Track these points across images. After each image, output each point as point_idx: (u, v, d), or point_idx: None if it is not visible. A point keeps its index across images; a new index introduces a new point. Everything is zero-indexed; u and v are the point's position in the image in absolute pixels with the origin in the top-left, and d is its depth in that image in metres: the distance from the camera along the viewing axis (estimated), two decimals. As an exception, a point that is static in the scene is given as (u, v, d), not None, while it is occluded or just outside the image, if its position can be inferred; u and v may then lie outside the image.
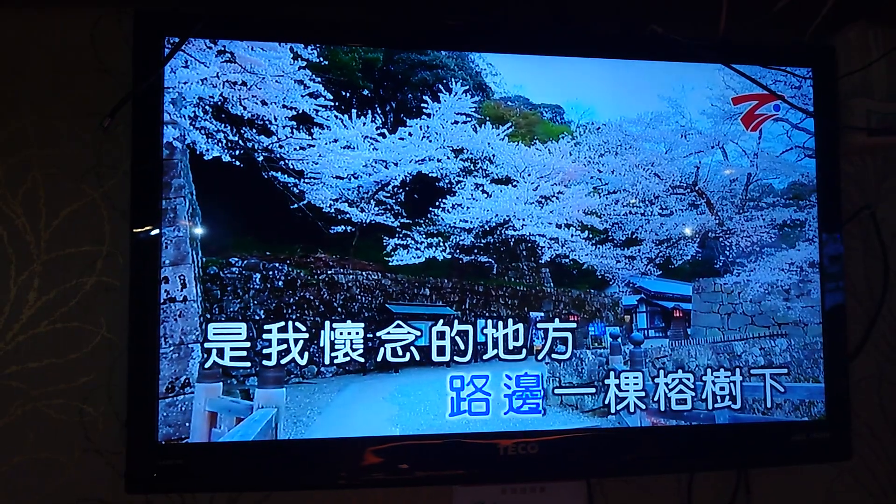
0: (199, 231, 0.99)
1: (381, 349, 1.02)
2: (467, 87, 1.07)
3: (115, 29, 1.10)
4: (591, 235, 1.10)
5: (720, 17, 1.08)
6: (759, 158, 1.13)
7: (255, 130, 1.02)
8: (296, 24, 1.04)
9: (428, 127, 1.06)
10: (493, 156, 1.08)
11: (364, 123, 1.04)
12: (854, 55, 1.18)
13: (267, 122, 1.02)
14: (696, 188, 1.12)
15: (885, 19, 1.19)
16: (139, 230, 0.98)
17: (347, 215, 1.04)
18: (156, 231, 0.97)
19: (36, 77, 1.09)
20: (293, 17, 1.05)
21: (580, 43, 1.10)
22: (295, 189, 1.02)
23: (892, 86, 1.19)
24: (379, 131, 1.05)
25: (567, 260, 1.09)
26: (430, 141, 1.07)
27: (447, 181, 1.07)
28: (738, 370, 1.10)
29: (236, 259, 1.00)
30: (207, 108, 1.01)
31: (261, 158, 1.02)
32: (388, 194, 1.05)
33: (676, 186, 1.12)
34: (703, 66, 1.12)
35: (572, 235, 1.09)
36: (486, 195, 1.08)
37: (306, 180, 1.03)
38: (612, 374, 1.07)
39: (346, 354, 1.01)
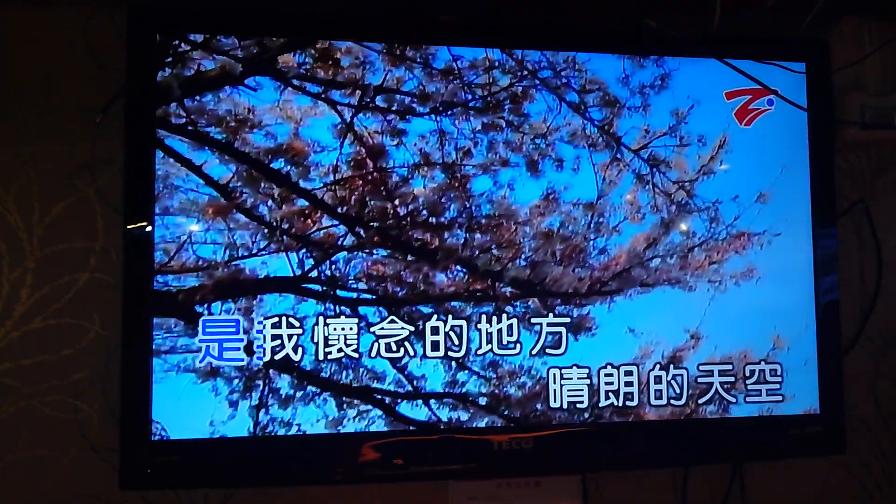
0: (192, 227, 0.99)
1: (375, 344, 1.01)
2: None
3: (108, 24, 1.09)
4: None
5: (714, 12, 1.08)
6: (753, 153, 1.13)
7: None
8: (289, 20, 1.04)
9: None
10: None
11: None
12: (848, 49, 1.19)
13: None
14: (690, 183, 1.12)
15: (879, 13, 1.19)
16: (133, 226, 0.97)
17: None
18: (149, 227, 0.97)
19: (28, 72, 1.09)
20: (287, 13, 1.05)
21: (572, 38, 1.10)
22: (288, 184, 1.02)
23: (886, 80, 1.19)
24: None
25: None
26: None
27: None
28: (731, 364, 1.10)
29: (229, 254, 1.00)
30: (200, 103, 1.00)
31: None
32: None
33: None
34: (697, 61, 1.11)
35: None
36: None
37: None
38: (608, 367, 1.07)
39: (339, 350, 1.01)
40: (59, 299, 1.07)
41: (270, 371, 0.99)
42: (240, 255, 0.99)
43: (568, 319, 1.06)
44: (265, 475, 1.01)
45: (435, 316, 1.03)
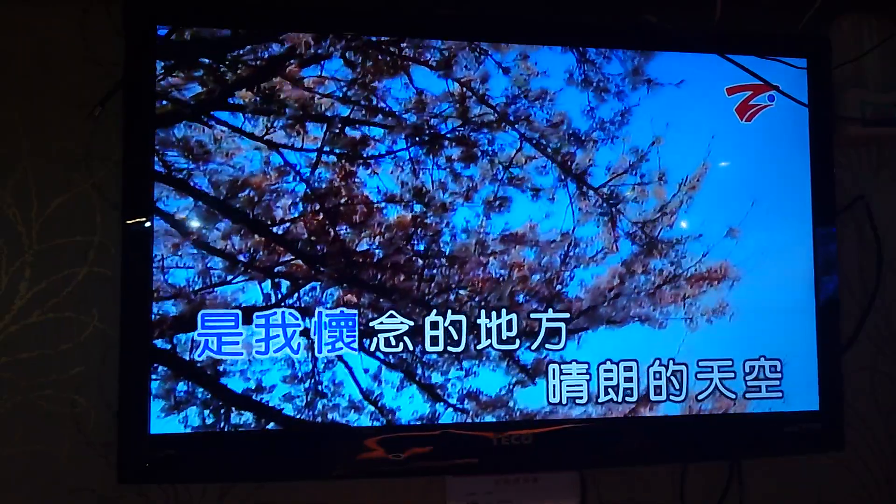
0: (190, 221, 0.99)
1: (374, 339, 1.01)
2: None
3: (103, 18, 1.09)
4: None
5: (715, 7, 1.08)
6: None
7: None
8: (289, 13, 1.03)
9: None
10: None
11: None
12: (848, 45, 1.18)
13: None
14: (690, 178, 1.12)
15: (878, 9, 1.19)
16: (131, 221, 0.97)
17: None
18: (148, 223, 0.97)
19: (23, 67, 1.08)
20: (287, 6, 1.04)
21: (570, 33, 1.09)
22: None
23: (886, 76, 1.19)
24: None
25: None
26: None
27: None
28: (731, 360, 1.10)
29: (228, 249, 1.00)
30: (199, 97, 1.00)
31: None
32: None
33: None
34: (697, 56, 1.11)
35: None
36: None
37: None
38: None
39: (339, 347, 1.00)
40: (57, 293, 1.07)
41: (233, 408, 0.98)
42: (213, 281, 0.98)
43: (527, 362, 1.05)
44: (263, 470, 1.01)
45: (434, 311, 1.03)
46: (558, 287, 1.06)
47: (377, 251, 1.02)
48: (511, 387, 1.04)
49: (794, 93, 1.12)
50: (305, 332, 0.99)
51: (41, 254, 1.07)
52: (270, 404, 0.98)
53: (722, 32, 1.12)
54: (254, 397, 0.98)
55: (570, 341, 1.06)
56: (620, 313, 1.07)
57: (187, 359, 0.97)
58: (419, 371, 1.02)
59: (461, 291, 1.03)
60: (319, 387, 1.00)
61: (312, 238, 1.00)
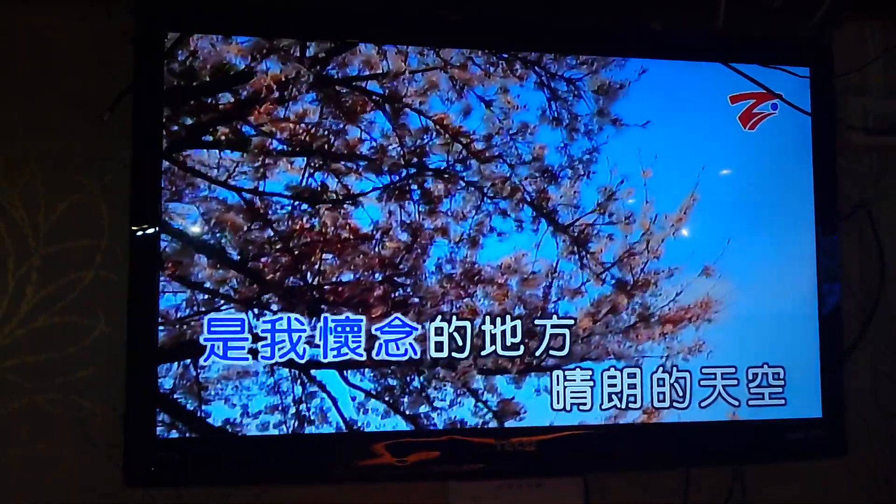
0: (197, 226, 0.99)
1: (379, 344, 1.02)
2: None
3: (103, 18, 1.09)
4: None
5: (718, 15, 1.08)
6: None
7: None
8: (299, 19, 1.04)
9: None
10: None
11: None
12: (851, 53, 1.19)
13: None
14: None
15: (882, 17, 1.20)
16: (138, 225, 0.98)
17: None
18: (155, 228, 0.98)
19: (29, 69, 1.08)
20: (296, 12, 1.05)
21: (574, 40, 1.10)
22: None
23: (889, 84, 1.20)
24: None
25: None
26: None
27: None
28: (734, 368, 1.10)
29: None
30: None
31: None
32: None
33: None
34: (701, 65, 1.12)
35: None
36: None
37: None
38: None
39: (341, 349, 1.01)
40: (64, 297, 1.07)
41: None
42: (201, 309, 0.98)
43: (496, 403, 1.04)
44: (268, 473, 1.01)
45: (439, 317, 1.03)
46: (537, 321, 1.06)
47: (346, 287, 1.02)
48: (481, 426, 1.04)
49: (797, 101, 1.13)
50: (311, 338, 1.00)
51: (48, 257, 1.07)
52: (250, 435, 0.99)
53: (726, 41, 1.12)
54: (229, 430, 0.98)
55: (545, 377, 1.05)
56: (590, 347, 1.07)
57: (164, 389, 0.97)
58: (404, 400, 1.02)
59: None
60: (305, 413, 1.00)
61: (289, 272, 1.00)
